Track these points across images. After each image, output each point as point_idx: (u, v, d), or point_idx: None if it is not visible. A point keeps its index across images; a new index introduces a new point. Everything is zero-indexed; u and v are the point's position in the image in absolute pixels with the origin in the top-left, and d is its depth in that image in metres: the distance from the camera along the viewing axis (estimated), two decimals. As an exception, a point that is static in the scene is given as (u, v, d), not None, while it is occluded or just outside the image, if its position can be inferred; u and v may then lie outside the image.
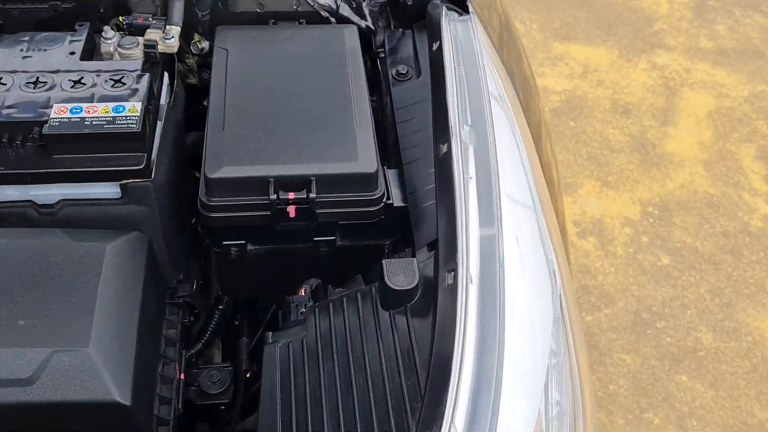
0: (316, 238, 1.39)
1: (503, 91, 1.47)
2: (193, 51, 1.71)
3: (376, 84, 1.63)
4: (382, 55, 1.62)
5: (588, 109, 4.12)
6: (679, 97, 4.21)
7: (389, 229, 1.41)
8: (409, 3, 1.63)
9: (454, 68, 1.42)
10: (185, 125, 1.63)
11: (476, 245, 1.20)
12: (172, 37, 1.50)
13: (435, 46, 1.47)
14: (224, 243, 1.38)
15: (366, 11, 1.68)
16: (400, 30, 1.67)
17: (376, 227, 1.39)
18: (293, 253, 1.42)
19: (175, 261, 1.48)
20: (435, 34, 1.48)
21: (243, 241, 1.38)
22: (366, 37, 1.66)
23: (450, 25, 1.49)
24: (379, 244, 1.43)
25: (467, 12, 1.54)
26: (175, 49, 1.51)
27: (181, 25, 1.54)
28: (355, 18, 1.66)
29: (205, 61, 1.69)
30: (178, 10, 1.54)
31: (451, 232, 1.22)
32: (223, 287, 1.53)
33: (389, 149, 1.51)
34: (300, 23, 1.66)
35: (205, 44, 1.69)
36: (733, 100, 4.17)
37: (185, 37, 1.71)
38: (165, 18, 1.54)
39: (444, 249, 1.23)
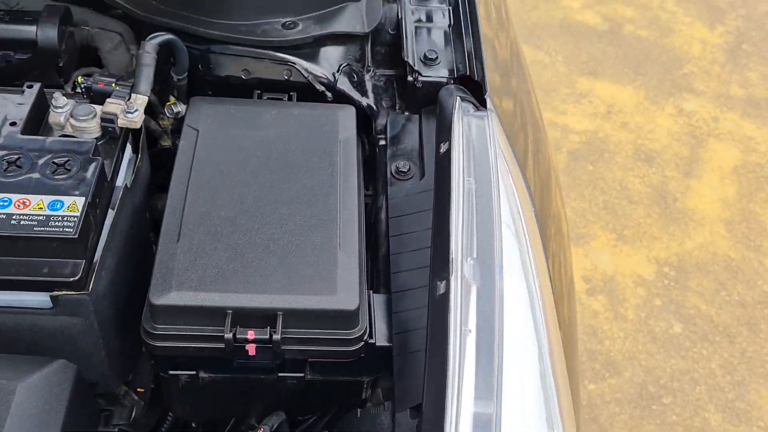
0: (281, 374, 1.15)
1: (518, 205, 1.21)
2: (168, 114, 1.45)
3: (373, 175, 1.37)
4: (383, 142, 1.37)
5: (609, 154, 3.85)
6: (704, 148, 3.93)
7: (369, 366, 1.16)
8: (419, 85, 1.37)
9: (463, 181, 1.16)
10: (158, 188, 1.40)
11: (468, 425, 0.95)
12: (136, 110, 1.24)
13: (443, 148, 1.21)
14: (171, 372, 1.13)
15: (368, 86, 1.43)
16: (406, 114, 1.41)
17: (354, 364, 1.14)
18: (254, 383, 1.17)
19: (117, 369, 1.24)
20: (444, 133, 1.22)
21: (194, 372, 1.13)
22: (366, 117, 1.40)
23: (463, 121, 1.23)
24: (357, 380, 1.18)
25: (484, 106, 1.27)
26: (139, 125, 1.25)
27: (149, 94, 1.29)
28: (354, 94, 1.40)
29: (181, 124, 1.44)
30: (146, 78, 1.28)
31: (438, 401, 0.97)
32: (173, 410, 1.29)
33: (379, 265, 1.25)
34: (290, 96, 1.40)
35: (182, 108, 1.44)
36: (762, 155, 3.89)
37: (160, 97, 1.46)
38: (131, 84, 1.29)
39: (429, 421, 0.98)
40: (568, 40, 4.48)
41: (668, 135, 3.98)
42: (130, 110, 1.24)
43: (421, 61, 1.39)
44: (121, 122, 1.24)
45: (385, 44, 1.54)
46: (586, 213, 3.60)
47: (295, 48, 1.41)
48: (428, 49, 1.40)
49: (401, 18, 1.51)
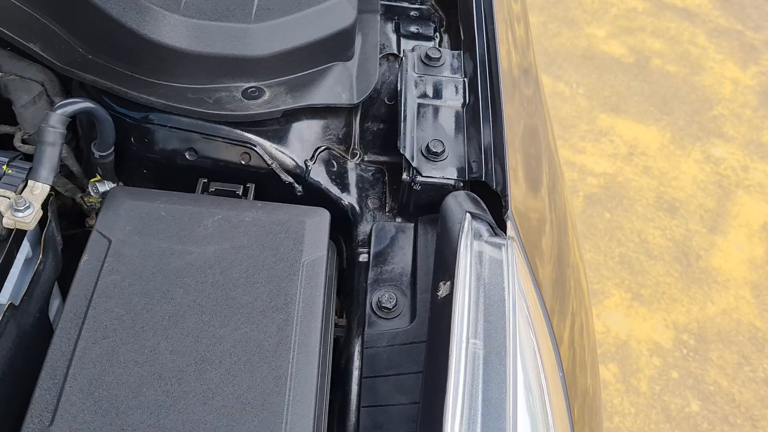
0: None
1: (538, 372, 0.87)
2: (92, 192, 1.11)
3: (348, 301, 1.02)
4: (364, 257, 1.02)
5: (628, 201, 3.49)
6: (732, 201, 3.57)
7: None
8: (417, 187, 1.02)
9: (467, 342, 0.81)
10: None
11: None
12: (29, 207, 0.90)
13: (443, 290, 0.87)
14: None
15: (352, 178, 1.08)
16: (398, 221, 1.06)
17: None
18: None
19: None
20: (446, 268, 0.88)
21: None
22: (345, 221, 1.05)
23: (473, 253, 0.88)
24: None
25: (503, 228, 0.92)
26: (33, 226, 0.91)
27: (51, 182, 0.94)
28: (332, 189, 1.06)
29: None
30: (48, 160, 0.94)
31: None
32: None
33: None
34: (246, 189, 1.05)
35: (109, 186, 1.10)
36: (794, 213, 3.54)
37: (86, 168, 1.12)
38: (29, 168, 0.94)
39: None
40: (591, 72, 4.12)
41: (693, 183, 3.62)
42: (20, 207, 0.89)
43: (423, 154, 1.04)
44: (7, 222, 0.89)
45: (378, 119, 1.19)
46: (600, 267, 3.25)
47: (257, 124, 1.06)
48: (433, 138, 1.06)
49: (400, 90, 1.16)
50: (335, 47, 1.25)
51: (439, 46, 1.42)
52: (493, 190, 0.98)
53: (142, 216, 0.96)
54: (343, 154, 1.17)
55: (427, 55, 1.27)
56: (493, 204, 0.98)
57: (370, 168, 1.17)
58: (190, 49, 1.09)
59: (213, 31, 1.13)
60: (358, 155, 1.19)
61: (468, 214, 0.92)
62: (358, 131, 1.20)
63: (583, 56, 4.21)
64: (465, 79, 1.23)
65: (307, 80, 1.15)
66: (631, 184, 3.57)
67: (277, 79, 1.18)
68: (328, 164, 1.09)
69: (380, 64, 1.33)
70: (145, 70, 1.06)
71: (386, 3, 1.50)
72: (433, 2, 1.52)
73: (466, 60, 1.25)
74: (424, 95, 1.17)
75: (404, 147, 1.06)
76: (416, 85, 1.19)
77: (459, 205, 0.95)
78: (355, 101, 1.22)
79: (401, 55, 1.34)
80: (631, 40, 4.38)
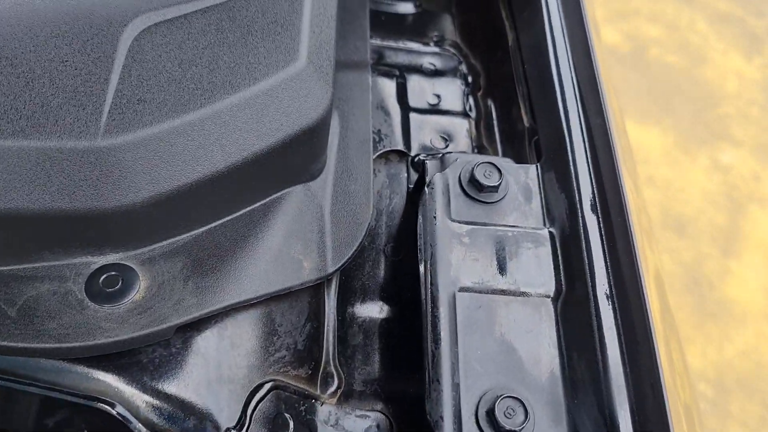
0: None
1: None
2: None
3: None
4: None
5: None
6: (744, 216, 2.99)
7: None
8: None
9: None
10: None
11: None
12: None
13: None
14: None
15: None
16: None
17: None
18: None
19: None
20: None
21: None
22: None
23: None
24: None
25: None
26: None
27: None
28: None
29: None
30: None
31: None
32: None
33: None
34: None
35: None
36: (813, 231, 2.97)
37: None
38: None
39: None
40: (585, 64, 3.46)
41: (702, 196, 3.02)
42: None
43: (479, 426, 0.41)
44: None
45: (375, 298, 0.55)
46: (604, 300, 2.65)
47: (122, 353, 0.42)
48: (499, 390, 0.41)
49: (425, 255, 0.52)
50: (288, 163, 0.59)
51: (478, 123, 0.75)
52: None
53: None
54: (307, 390, 0.53)
55: (472, 179, 0.61)
56: None
57: (363, 416, 0.53)
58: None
59: (13, 161, 0.46)
60: (335, 387, 0.54)
61: None
62: (333, 331, 0.56)
63: (576, 45, 3.56)
64: (552, 230, 0.58)
65: (226, 240, 0.51)
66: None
67: (164, 244, 0.52)
68: (277, 425, 0.45)
69: (375, 173, 0.67)
70: None
71: (381, 44, 0.83)
72: (459, 40, 0.85)
73: (551, 187, 0.60)
74: (470, 273, 0.52)
75: (438, 409, 0.42)
76: (455, 244, 0.53)
77: None
78: (330, 270, 0.57)
79: (414, 157, 0.68)
80: (626, 26, 3.72)
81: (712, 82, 3.50)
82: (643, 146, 3.17)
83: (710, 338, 2.60)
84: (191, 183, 0.54)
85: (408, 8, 0.87)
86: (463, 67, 0.80)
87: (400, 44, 0.83)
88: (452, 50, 0.83)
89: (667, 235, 2.88)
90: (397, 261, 0.66)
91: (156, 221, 0.54)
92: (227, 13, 0.58)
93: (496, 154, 0.74)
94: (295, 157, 0.60)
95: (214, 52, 0.56)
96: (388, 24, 0.85)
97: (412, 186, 0.69)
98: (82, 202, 0.50)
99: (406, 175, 0.71)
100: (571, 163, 0.61)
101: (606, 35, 3.63)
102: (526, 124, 0.70)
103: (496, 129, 0.77)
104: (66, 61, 0.52)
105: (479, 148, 0.75)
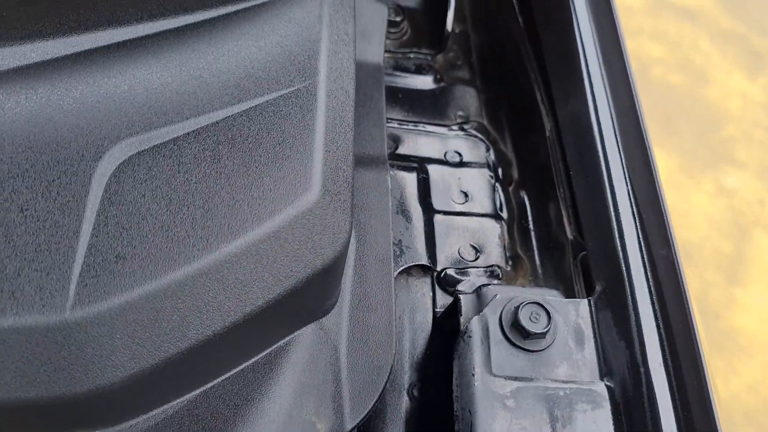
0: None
1: None
2: None
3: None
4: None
5: (636, 244, 2.77)
6: (749, 242, 2.89)
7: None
8: None
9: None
10: None
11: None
12: None
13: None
14: None
15: None
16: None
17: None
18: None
19: None
20: None
21: None
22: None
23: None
24: None
25: None
26: None
27: None
28: None
29: None
30: None
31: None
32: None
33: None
34: None
35: None
36: (819, 258, 2.87)
37: None
38: None
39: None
40: (588, 84, 3.35)
41: (707, 222, 2.92)
42: None
43: None
44: None
45: None
46: (609, 331, 2.54)
47: None
48: None
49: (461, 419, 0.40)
50: (299, 306, 0.48)
51: (511, 226, 0.64)
52: None
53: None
54: None
55: (516, 324, 0.50)
56: None
57: None
58: None
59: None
60: None
61: None
62: None
63: (579, 64, 3.44)
64: (609, 384, 0.47)
65: (225, 405, 0.42)
66: (639, 223, 2.86)
67: (150, 415, 0.41)
68: None
69: (395, 294, 0.56)
70: None
71: (399, 128, 0.71)
72: (485, 121, 0.73)
73: (606, 329, 0.49)
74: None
75: None
76: (498, 408, 0.43)
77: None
78: (348, 428, 0.46)
79: (441, 272, 0.57)
80: (630, 44, 3.61)
81: (716, 102, 3.40)
82: (646, 169, 3.07)
83: (717, 371, 2.50)
84: (181, 351, 0.43)
85: (428, 82, 0.75)
86: (492, 155, 0.69)
87: (420, 127, 0.72)
88: (479, 135, 0.71)
89: (672, 262, 2.78)
90: (424, 402, 0.55)
91: (140, 395, 0.43)
92: (225, 133, 0.47)
93: (532, 264, 0.63)
94: (307, 300, 0.49)
95: (210, 186, 0.45)
96: (405, 101, 0.74)
97: (439, 310, 0.59)
98: (47, 389, 0.39)
99: (431, 293, 0.60)
100: (630, 303, 0.51)
101: (608, 53, 3.53)
102: (569, 236, 0.59)
103: (532, 234, 0.65)
104: (26, 210, 0.41)
105: (513, 258, 0.63)
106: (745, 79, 3.53)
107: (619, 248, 0.52)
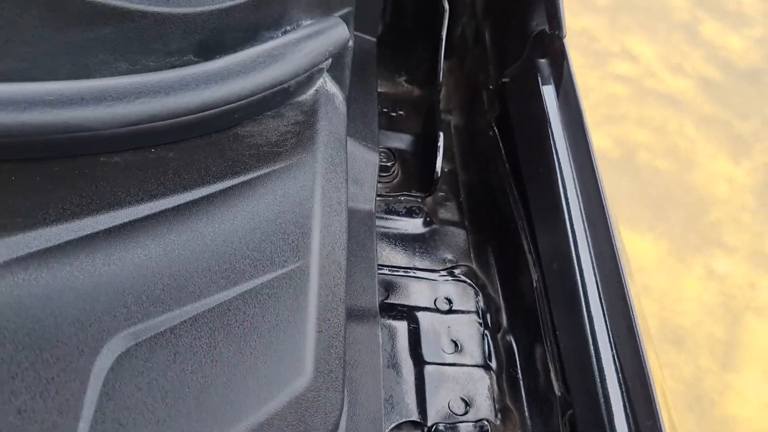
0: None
1: None
2: None
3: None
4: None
5: (630, 331, 2.76)
6: (742, 327, 2.88)
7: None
8: None
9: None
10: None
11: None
12: None
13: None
14: None
15: None
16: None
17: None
18: None
19: None
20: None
21: None
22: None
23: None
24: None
25: None
26: None
27: None
28: None
29: None
30: None
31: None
32: None
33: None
34: None
35: None
36: (812, 342, 2.86)
37: None
38: None
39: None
40: (578, 170, 3.40)
41: (699, 307, 2.92)
42: None
43: None
44: None
45: None
46: (605, 421, 2.51)
47: None
48: None
49: None
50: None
51: (500, 376, 0.65)
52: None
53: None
54: None
55: None
56: None
57: None
58: None
59: None
60: None
61: None
62: None
63: (568, 151, 3.50)
64: None
65: None
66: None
67: None
68: None
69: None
70: None
71: (389, 274, 0.73)
72: (474, 266, 0.75)
73: None
74: None
75: None
76: None
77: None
78: None
79: (431, 428, 0.57)
80: (616, 131, 3.68)
81: (702, 187, 3.45)
82: (637, 254, 3.08)
83: (715, 461, 2.47)
84: None
85: (417, 225, 0.77)
86: (480, 301, 0.70)
87: (411, 273, 0.73)
88: (468, 280, 0.73)
89: (666, 348, 2.77)
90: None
91: None
92: (222, 319, 0.49)
93: (522, 416, 0.63)
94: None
95: (206, 376, 0.46)
96: (396, 245, 0.75)
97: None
98: None
99: (421, 453, 0.60)
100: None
101: (596, 140, 3.59)
102: (557, 392, 0.60)
103: (521, 383, 0.66)
104: (23, 411, 0.42)
105: (502, 411, 0.64)
106: (730, 163, 3.59)
107: (606, 417, 0.53)
